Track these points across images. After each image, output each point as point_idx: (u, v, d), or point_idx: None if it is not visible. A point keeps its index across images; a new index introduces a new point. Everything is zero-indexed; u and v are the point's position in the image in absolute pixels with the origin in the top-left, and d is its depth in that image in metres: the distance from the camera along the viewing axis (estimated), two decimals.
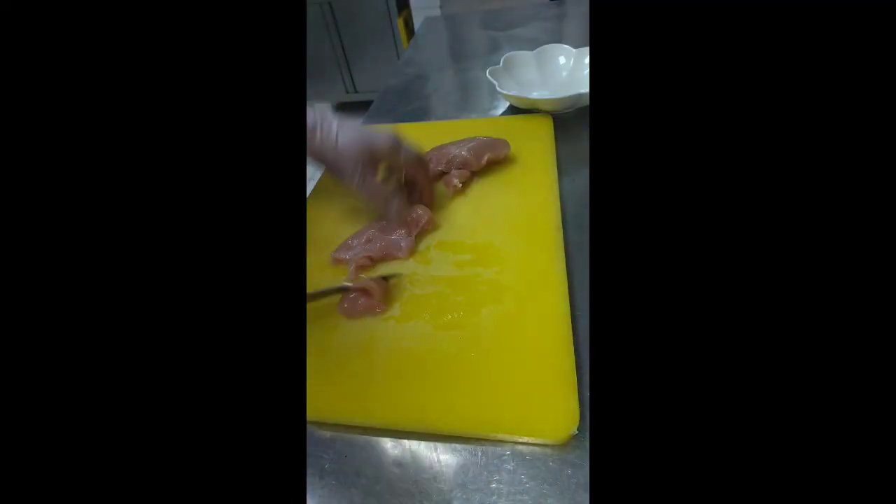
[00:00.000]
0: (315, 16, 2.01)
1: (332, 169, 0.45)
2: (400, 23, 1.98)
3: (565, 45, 0.69)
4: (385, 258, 0.43)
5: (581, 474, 0.27)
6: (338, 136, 0.43)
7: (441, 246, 0.44)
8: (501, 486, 0.27)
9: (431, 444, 0.30)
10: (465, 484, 0.27)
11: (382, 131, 0.44)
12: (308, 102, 0.47)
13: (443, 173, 0.52)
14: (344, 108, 2.43)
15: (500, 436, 0.29)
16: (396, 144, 0.44)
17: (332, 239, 0.47)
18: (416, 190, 0.47)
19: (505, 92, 0.62)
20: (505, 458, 0.29)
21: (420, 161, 0.46)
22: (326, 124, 0.44)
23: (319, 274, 0.43)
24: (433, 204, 0.47)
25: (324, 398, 0.32)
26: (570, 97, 0.58)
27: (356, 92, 2.23)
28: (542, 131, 0.58)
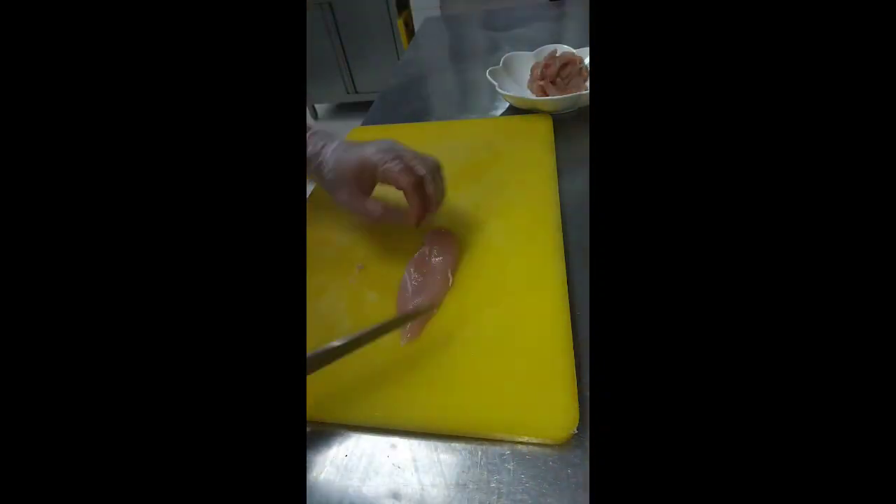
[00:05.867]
0: (315, 16, 2.01)
1: (331, 194, 0.43)
2: (400, 23, 1.99)
3: (565, 46, 0.69)
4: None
5: (581, 474, 0.27)
6: (330, 159, 0.41)
7: None
8: (501, 485, 0.27)
9: (431, 444, 0.30)
10: (465, 484, 0.27)
11: (376, 142, 0.39)
12: (312, 130, 0.45)
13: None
14: (344, 108, 2.43)
15: (500, 436, 0.29)
16: (385, 152, 0.38)
17: (331, 239, 0.47)
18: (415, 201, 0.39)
19: (505, 92, 0.62)
20: (505, 457, 0.29)
21: (408, 170, 0.37)
22: (325, 149, 0.42)
23: (319, 276, 0.43)
24: (430, 211, 0.40)
25: (324, 398, 0.32)
26: (570, 97, 0.58)
27: (356, 92, 2.23)
28: (541, 131, 0.58)
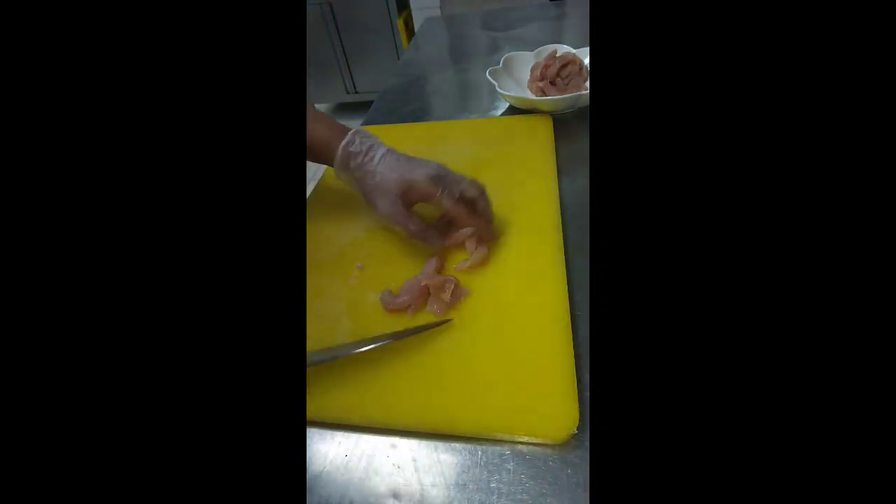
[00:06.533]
0: (315, 16, 2.01)
1: (368, 199, 0.43)
2: (400, 23, 1.99)
3: (565, 46, 0.69)
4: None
5: (581, 474, 0.27)
6: (378, 166, 0.41)
7: None
8: (501, 485, 0.27)
9: (431, 444, 0.30)
10: (465, 484, 0.27)
11: (426, 165, 0.41)
12: (355, 128, 0.44)
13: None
14: (344, 108, 2.43)
15: (501, 436, 0.29)
16: (438, 181, 0.40)
17: (332, 239, 0.47)
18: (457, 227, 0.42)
19: (505, 92, 0.62)
20: (505, 457, 0.29)
21: (464, 201, 0.41)
22: (371, 152, 0.42)
23: (319, 275, 0.43)
24: (486, 242, 0.42)
25: (324, 398, 0.32)
26: (570, 97, 0.58)
27: (356, 92, 2.23)
28: (542, 131, 0.58)
